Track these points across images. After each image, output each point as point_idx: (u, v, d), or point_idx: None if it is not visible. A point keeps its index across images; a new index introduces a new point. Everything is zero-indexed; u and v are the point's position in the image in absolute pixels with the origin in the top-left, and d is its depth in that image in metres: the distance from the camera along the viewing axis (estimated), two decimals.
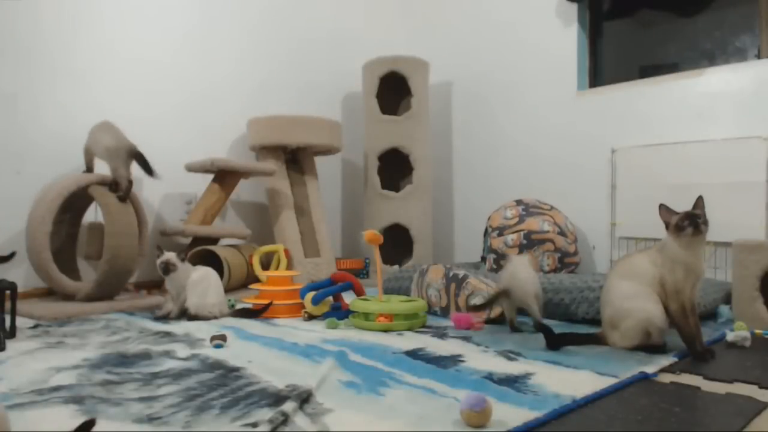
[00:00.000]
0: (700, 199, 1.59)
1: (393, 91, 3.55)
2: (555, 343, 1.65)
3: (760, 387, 1.32)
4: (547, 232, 2.71)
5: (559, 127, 3.30)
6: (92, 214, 2.57)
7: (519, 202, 2.90)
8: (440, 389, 1.26)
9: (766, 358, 1.59)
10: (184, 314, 2.11)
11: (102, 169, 2.45)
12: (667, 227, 1.60)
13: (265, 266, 2.85)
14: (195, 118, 3.13)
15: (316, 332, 1.90)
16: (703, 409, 1.19)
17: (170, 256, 2.10)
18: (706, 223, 1.55)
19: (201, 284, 2.10)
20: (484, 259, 2.97)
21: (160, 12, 3.00)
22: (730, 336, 1.74)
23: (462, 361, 1.52)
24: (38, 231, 2.23)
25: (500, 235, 2.79)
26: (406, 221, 3.43)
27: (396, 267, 3.44)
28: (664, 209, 1.61)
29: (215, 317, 2.10)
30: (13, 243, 2.44)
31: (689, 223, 1.54)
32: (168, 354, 1.57)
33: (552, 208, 2.87)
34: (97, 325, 1.98)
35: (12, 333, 1.76)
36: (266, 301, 2.23)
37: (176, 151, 2.96)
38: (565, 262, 2.73)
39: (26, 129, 2.54)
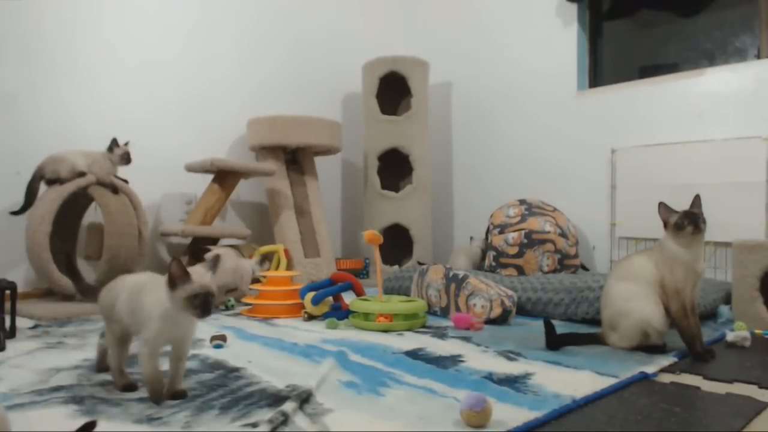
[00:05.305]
0: (697, 198, 1.60)
1: (393, 91, 3.55)
2: (555, 343, 1.65)
3: (760, 387, 1.32)
4: (548, 232, 2.71)
5: (559, 128, 3.30)
6: (92, 214, 2.56)
7: (522, 202, 2.90)
8: (440, 389, 1.26)
9: (766, 358, 1.59)
10: None
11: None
12: (665, 225, 1.60)
13: None
14: (195, 119, 3.13)
15: (316, 332, 1.89)
16: (703, 409, 1.19)
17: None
18: (704, 221, 1.55)
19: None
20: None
21: (160, 12, 3.00)
22: (730, 336, 1.74)
23: (462, 361, 1.52)
24: (38, 231, 2.23)
25: (501, 232, 2.79)
26: (405, 221, 3.43)
27: (396, 267, 3.44)
28: (663, 207, 1.61)
29: None
30: (13, 243, 2.44)
31: (689, 221, 1.54)
32: (168, 354, 1.57)
33: (555, 209, 2.87)
34: (97, 326, 1.98)
35: (12, 333, 1.76)
36: (266, 302, 2.23)
37: (176, 152, 2.96)
38: (565, 263, 2.73)
39: (26, 129, 2.54)
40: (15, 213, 2.34)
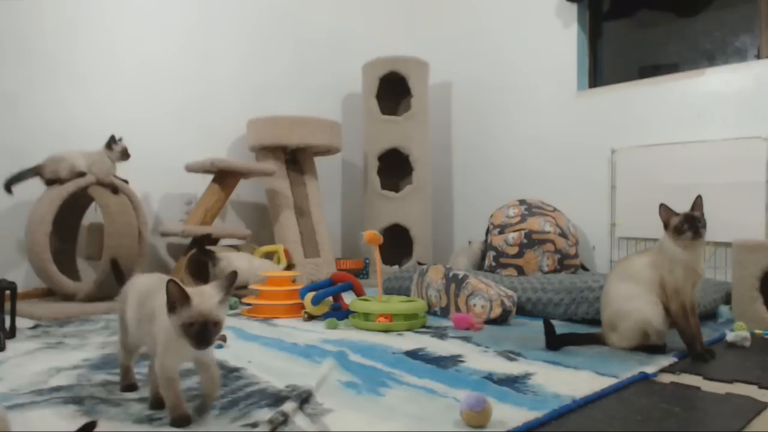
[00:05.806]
0: (698, 199, 1.59)
1: (393, 91, 3.55)
2: (555, 343, 1.65)
3: (760, 387, 1.32)
4: (548, 232, 2.71)
5: (559, 128, 3.30)
6: (92, 214, 2.57)
7: (522, 202, 2.90)
8: (440, 389, 1.26)
9: (766, 358, 1.59)
10: None
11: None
12: (665, 227, 1.60)
13: None
14: (195, 119, 3.13)
15: (316, 332, 1.89)
16: (703, 409, 1.19)
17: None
18: (704, 225, 1.55)
19: None
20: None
21: (160, 12, 3.00)
22: (730, 336, 1.75)
23: (462, 361, 1.52)
24: (38, 231, 2.23)
25: (501, 233, 2.79)
26: (405, 221, 3.43)
27: (396, 267, 3.44)
28: (664, 208, 1.61)
29: None
30: (13, 243, 2.44)
31: (689, 227, 1.54)
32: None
33: (555, 209, 2.87)
34: (97, 326, 1.98)
35: (12, 333, 1.76)
36: (266, 302, 2.23)
37: (176, 152, 2.95)
38: (565, 264, 2.73)
39: (26, 129, 2.54)
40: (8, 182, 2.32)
